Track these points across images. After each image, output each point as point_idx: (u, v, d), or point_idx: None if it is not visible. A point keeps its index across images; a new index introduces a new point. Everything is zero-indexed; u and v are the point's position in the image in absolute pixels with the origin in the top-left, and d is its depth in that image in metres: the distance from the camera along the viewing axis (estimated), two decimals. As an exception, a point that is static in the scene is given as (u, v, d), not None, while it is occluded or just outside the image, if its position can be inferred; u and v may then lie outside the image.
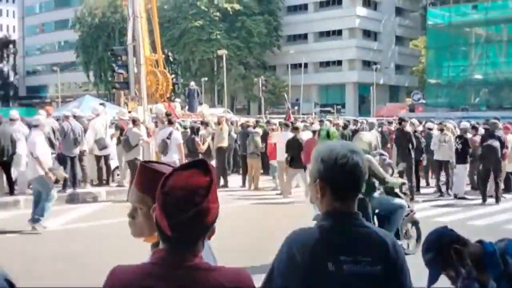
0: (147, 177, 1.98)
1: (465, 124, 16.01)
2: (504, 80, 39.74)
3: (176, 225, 1.70)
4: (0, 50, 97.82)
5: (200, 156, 13.87)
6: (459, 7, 43.84)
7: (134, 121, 13.98)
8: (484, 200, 13.61)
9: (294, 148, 13.87)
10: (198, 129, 15.53)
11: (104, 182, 15.35)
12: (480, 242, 2.69)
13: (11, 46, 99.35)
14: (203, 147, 14.83)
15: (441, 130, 15.16)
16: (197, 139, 14.91)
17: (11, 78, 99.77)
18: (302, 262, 2.01)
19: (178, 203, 1.70)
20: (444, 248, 2.63)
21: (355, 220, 2.09)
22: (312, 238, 2.04)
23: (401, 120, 15.19)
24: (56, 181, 12.45)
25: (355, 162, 2.05)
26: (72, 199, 13.57)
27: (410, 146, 14.15)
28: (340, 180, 2.06)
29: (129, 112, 17.24)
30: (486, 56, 41.39)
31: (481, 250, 2.62)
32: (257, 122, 19.71)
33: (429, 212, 12.41)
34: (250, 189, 16.12)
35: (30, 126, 11.73)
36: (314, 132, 14.02)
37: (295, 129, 14.61)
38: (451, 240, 2.65)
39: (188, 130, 15.66)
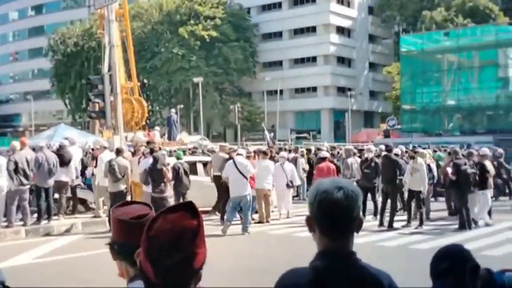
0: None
1: (484, 150, 15.17)
2: (476, 106, 40.37)
3: (161, 271, 1.62)
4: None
5: (163, 185, 12.66)
6: (431, 34, 44.68)
7: (119, 151, 13.48)
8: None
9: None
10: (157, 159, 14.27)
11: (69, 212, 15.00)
12: (488, 271, 2.64)
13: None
14: (169, 176, 13.06)
15: (412, 157, 14.14)
16: (162, 167, 12.83)
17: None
18: None
19: (163, 247, 1.62)
20: (465, 274, 2.54)
21: (348, 260, 1.98)
22: (306, 280, 1.94)
23: (388, 148, 14.89)
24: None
25: (335, 198, 1.93)
26: (48, 232, 13.25)
27: (398, 173, 13.84)
28: (321, 217, 1.96)
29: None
30: (458, 82, 42.09)
31: (491, 279, 2.58)
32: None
33: (405, 239, 12.43)
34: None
35: None
36: (324, 158, 14.89)
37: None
38: (473, 266, 2.57)
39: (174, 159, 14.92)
